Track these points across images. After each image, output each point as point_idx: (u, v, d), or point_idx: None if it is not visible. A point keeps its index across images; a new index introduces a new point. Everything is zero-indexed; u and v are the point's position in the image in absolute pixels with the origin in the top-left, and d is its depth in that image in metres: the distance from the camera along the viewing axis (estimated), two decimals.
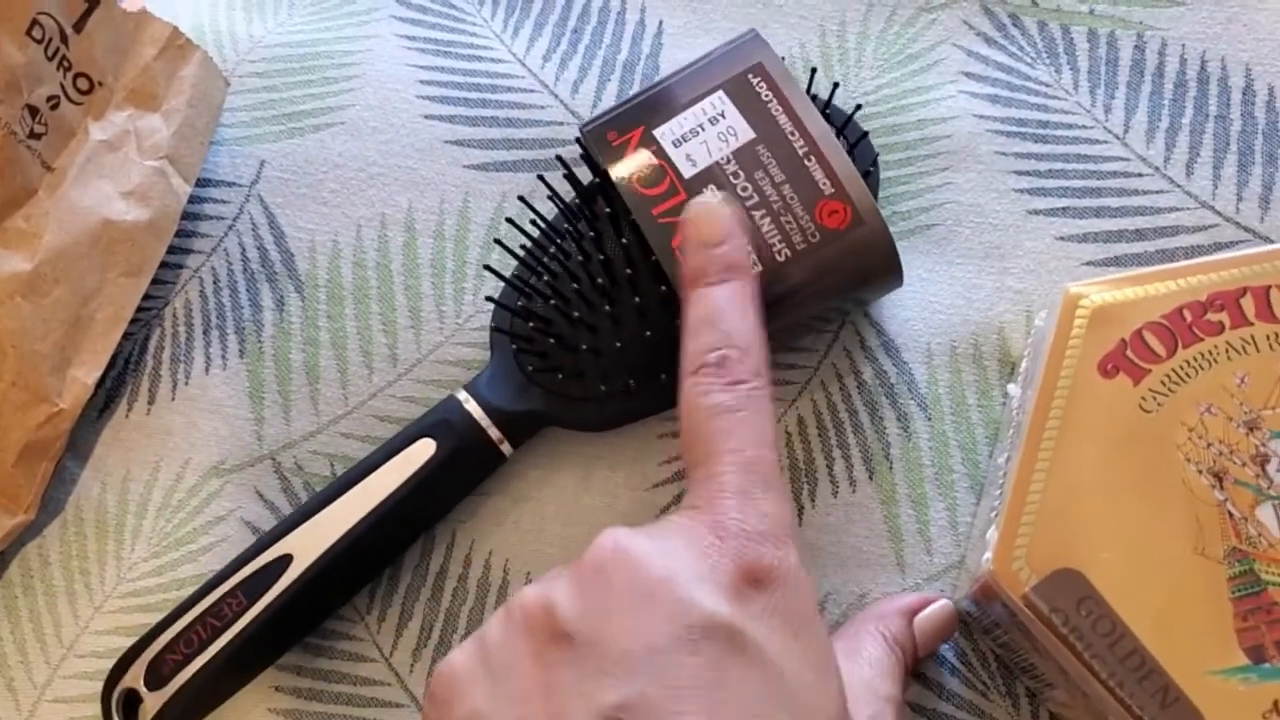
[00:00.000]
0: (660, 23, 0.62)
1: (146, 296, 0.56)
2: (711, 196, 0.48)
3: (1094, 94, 0.59)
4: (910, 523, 0.53)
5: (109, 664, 0.52)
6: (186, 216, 0.58)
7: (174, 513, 0.55)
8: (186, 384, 0.56)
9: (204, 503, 0.55)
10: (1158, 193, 0.57)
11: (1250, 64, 0.59)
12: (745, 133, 0.52)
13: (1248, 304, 0.46)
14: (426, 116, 0.61)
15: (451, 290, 0.58)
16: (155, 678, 0.50)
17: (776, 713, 0.36)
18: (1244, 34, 0.60)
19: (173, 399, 0.56)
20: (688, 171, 0.51)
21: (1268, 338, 0.46)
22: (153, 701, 0.49)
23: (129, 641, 0.52)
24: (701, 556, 0.38)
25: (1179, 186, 0.57)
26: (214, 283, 0.58)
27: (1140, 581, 0.43)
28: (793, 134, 0.51)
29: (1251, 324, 0.46)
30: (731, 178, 0.51)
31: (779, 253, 0.50)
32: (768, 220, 0.50)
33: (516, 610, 0.39)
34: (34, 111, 0.50)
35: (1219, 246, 0.55)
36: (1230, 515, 0.43)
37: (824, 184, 0.51)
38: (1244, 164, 0.57)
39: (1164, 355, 0.46)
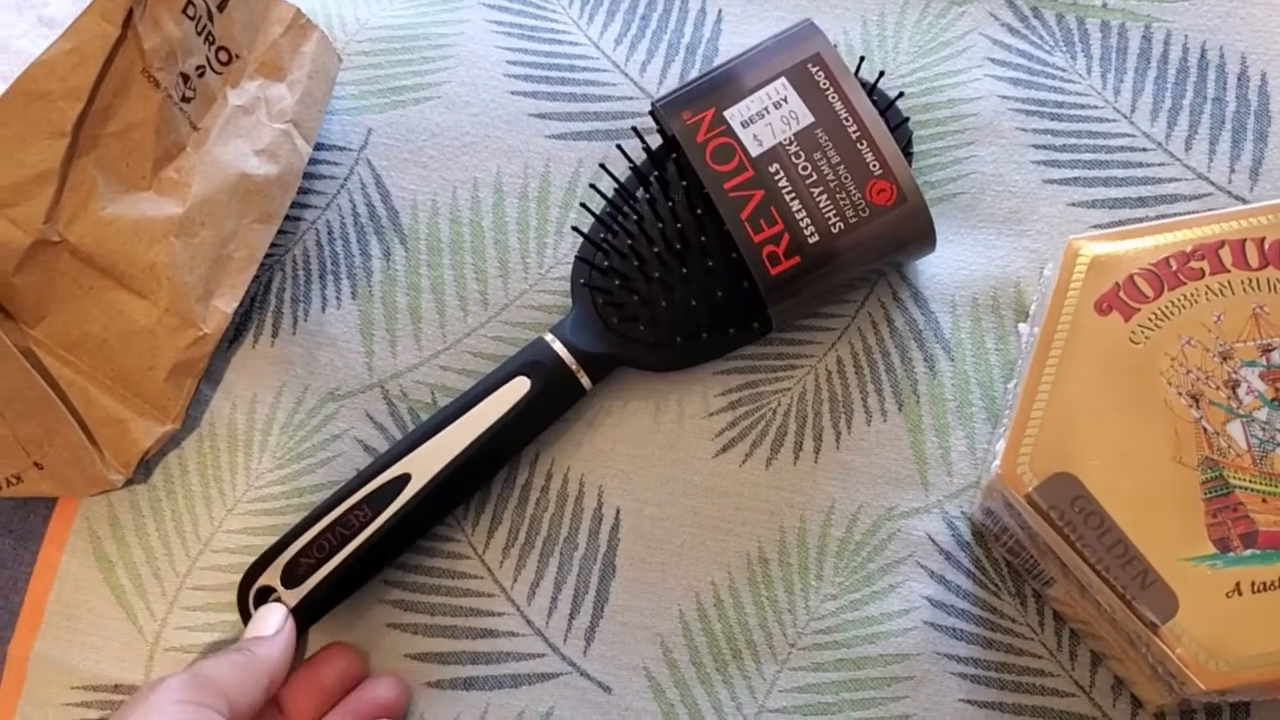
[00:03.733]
0: (720, 11, 0.70)
1: (271, 244, 0.64)
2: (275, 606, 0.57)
3: (1105, 78, 0.67)
4: (934, 448, 0.61)
5: (240, 559, 0.60)
6: (305, 176, 0.66)
7: (295, 430, 0.63)
8: (305, 320, 0.65)
9: (322, 423, 0.63)
10: (1159, 165, 0.65)
11: (1246, 53, 0.67)
12: (805, 117, 0.60)
13: (1225, 254, 0.54)
14: (513, 93, 0.69)
15: (535, 245, 0.66)
16: (291, 578, 0.58)
17: None
18: (1241, 26, 0.67)
19: (294, 333, 0.65)
20: (754, 150, 0.59)
21: (1242, 282, 0.53)
22: (290, 598, 0.58)
23: (258, 540, 0.60)
24: None
25: (1178, 160, 0.65)
26: (329, 234, 0.66)
27: (1126, 484, 0.51)
28: (847, 119, 0.59)
29: (1228, 271, 0.54)
30: (793, 157, 0.59)
31: (833, 225, 0.58)
32: (825, 197, 0.58)
33: None
34: (185, 79, 0.59)
35: None
36: (1205, 430, 0.51)
37: (874, 165, 0.59)
38: (1237, 140, 0.65)
39: (1152, 296, 0.53)
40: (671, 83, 0.68)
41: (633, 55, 0.69)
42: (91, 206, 0.56)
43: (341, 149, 0.68)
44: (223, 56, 0.61)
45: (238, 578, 0.59)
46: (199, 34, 0.59)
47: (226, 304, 0.60)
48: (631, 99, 0.68)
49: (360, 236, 0.66)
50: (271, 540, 0.60)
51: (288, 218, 0.66)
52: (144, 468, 0.62)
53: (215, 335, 0.60)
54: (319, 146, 0.68)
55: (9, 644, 0.60)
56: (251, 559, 0.59)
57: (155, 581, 0.61)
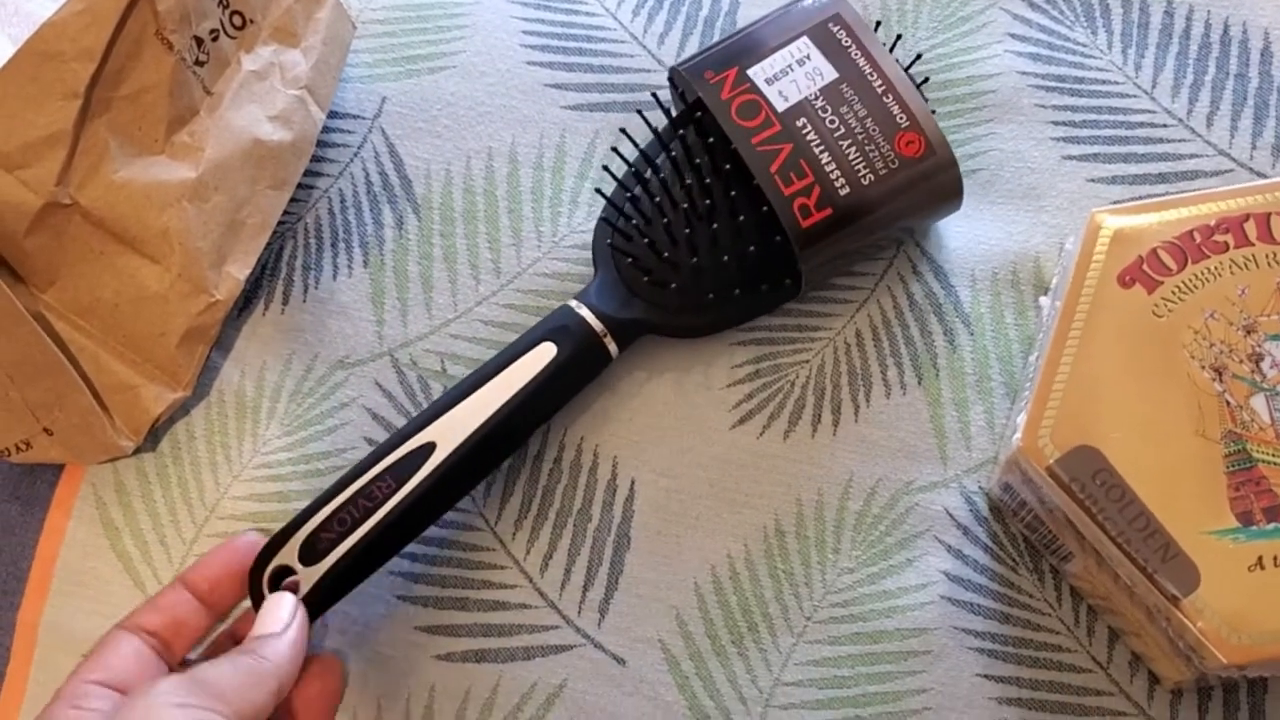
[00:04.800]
0: None
1: (283, 212, 0.63)
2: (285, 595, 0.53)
3: (1126, 53, 0.66)
4: (953, 422, 0.60)
5: (246, 525, 0.60)
6: (318, 144, 0.66)
7: (304, 398, 0.62)
8: (316, 288, 0.64)
9: (330, 390, 0.62)
10: (1180, 141, 0.64)
11: (1269, 28, 0.66)
12: (830, 73, 0.59)
13: (1250, 228, 0.53)
14: (529, 63, 0.68)
15: (549, 214, 0.65)
16: (310, 554, 0.55)
17: None
18: (1264, 2, 0.67)
19: (304, 301, 0.64)
20: (780, 106, 0.59)
21: (1266, 256, 0.53)
22: (308, 576, 0.55)
23: (264, 507, 0.60)
24: None
25: (1199, 136, 0.64)
26: (341, 202, 0.66)
27: (1148, 457, 0.50)
28: (871, 74, 0.59)
29: (1253, 244, 0.53)
30: (820, 111, 0.59)
31: (863, 177, 0.58)
32: (854, 149, 0.58)
33: None
34: (199, 42, 0.58)
35: None
36: (1228, 404, 0.51)
37: (900, 118, 0.58)
38: (1259, 117, 0.64)
39: (1175, 269, 0.53)
40: (690, 54, 0.68)
41: (650, 26, 0.69)
42: (103, 170, 0.55)
43: (355, 117, 0.68)
44: (237, 21, 0.60)
45: None
46: None
47: (239, 270, 0.60)
48: (649, 70, 0.68)
49: (373, 205, 0.66)
50: (278, 508, 0.60)
51: (300, 185, 0.66)
52: (151, 435, 0.61)
53: (227, 302, 0.59)
54: (333, 115, 0.67)
55: (19, 610, 0.60)
56: (257, 526, 0.59)
57: (162, 549, 0.60)
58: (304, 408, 0.62)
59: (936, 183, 0.59)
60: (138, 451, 0.61)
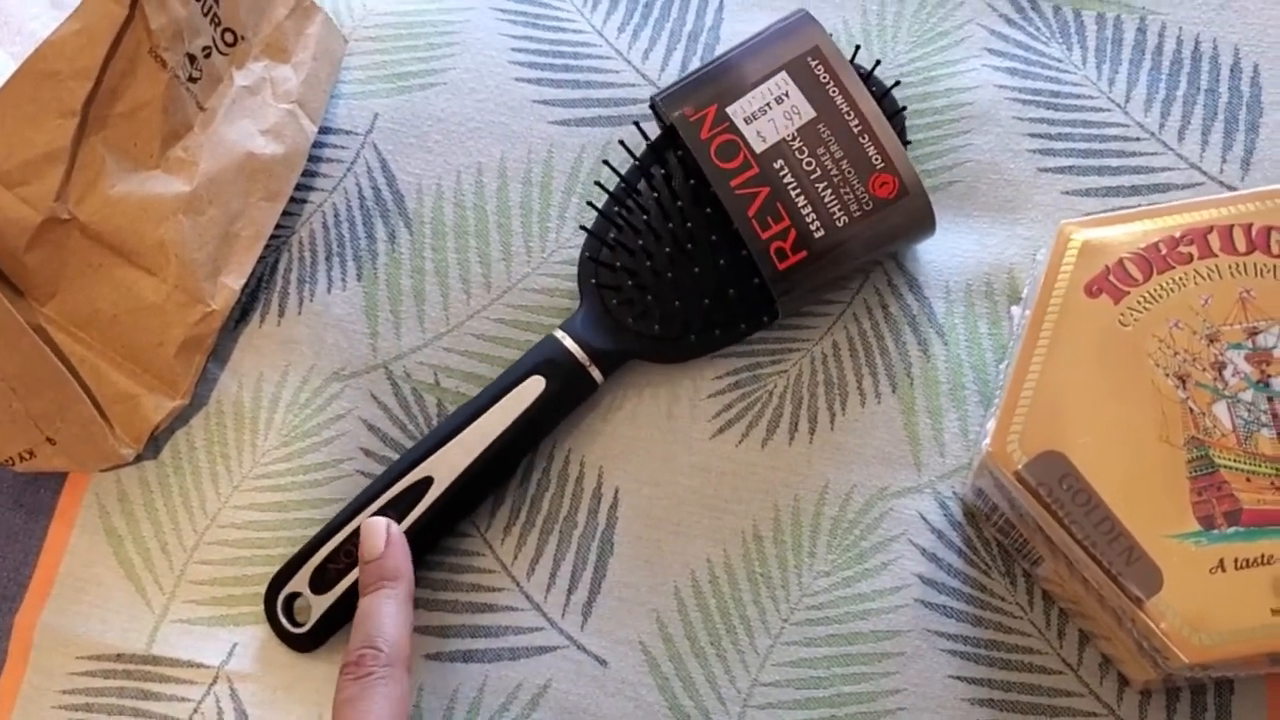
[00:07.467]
0: None
1: (277, 225, 0.65)
2: (377, 517, 0.58)
3: (1100, 69, 0.68)
4: (927, 429, 0.62)
5: (246, 534, 0.61)
6: (312, 159, 0.68)
7: (301, 409, 0.64)
8: (311, 301, 0.66)
9: (326, 402, 0.64)
10: (1152, 154, 0.66)
11: (1239, 45, 0.68)
12: (807, 112, 0.61)
13: (1214, 239, 0.55)
14: (517, 79, 0.70)
15: (537, 229, 0.67)
16: (320, 583, 0.59)
17: None
18: (1234, 19, 0.68)
19: (299, 313, 0.66)
20: (759, 147, 0.60)
21: (1229, 267, 0.54)
22: (319, 603, 0.59)
23: (264, 516, 0.62)
24: None
25: (1171, 149, 0.66)
26: (335, 216, 0.68)
27: (1113, 462, 0.52)
28: (848, 113, 0.60)
29: (1216, 256, 0.55)
30: (797, 153, 0.60)
31: (837, 220, 0.59)
32: (829, 191, 0.60)
33: None
34: (192, 59, 0.60)
35: None
36: (1191, 411, 0.52)
37: (875, 159, 0.60)
38: (1229, 131, 0.66)
39: (1141, 280, 0.54)
40: (673, 70, 0.70)
41: (635, 43, 0.70)
42: (100, 185, 0.57)
43: (348, 133, 0.69)
44: (228, 38, 0.62)
45: (244, 553, 0.61)
46: (205, 15, 0.60)
47: (234, 281, 0.62)
48: (633, 86, 0.69)
49: (366, 219, 0.67)
50: (277, 517, 0.62)
51: (294, 199, 0.67)
52: (152, 445, 0.63)
53: (223, 311, 0.61)
54: (326, 130, 0.69)
55: (16, 614, 0.62)
56: (257, 535, 0.61)
57: (163, 556, 0.62)
58: (301, 419, 0.64)
59: (910, 221, 0.60)
60: (139, 460, 0.63)
